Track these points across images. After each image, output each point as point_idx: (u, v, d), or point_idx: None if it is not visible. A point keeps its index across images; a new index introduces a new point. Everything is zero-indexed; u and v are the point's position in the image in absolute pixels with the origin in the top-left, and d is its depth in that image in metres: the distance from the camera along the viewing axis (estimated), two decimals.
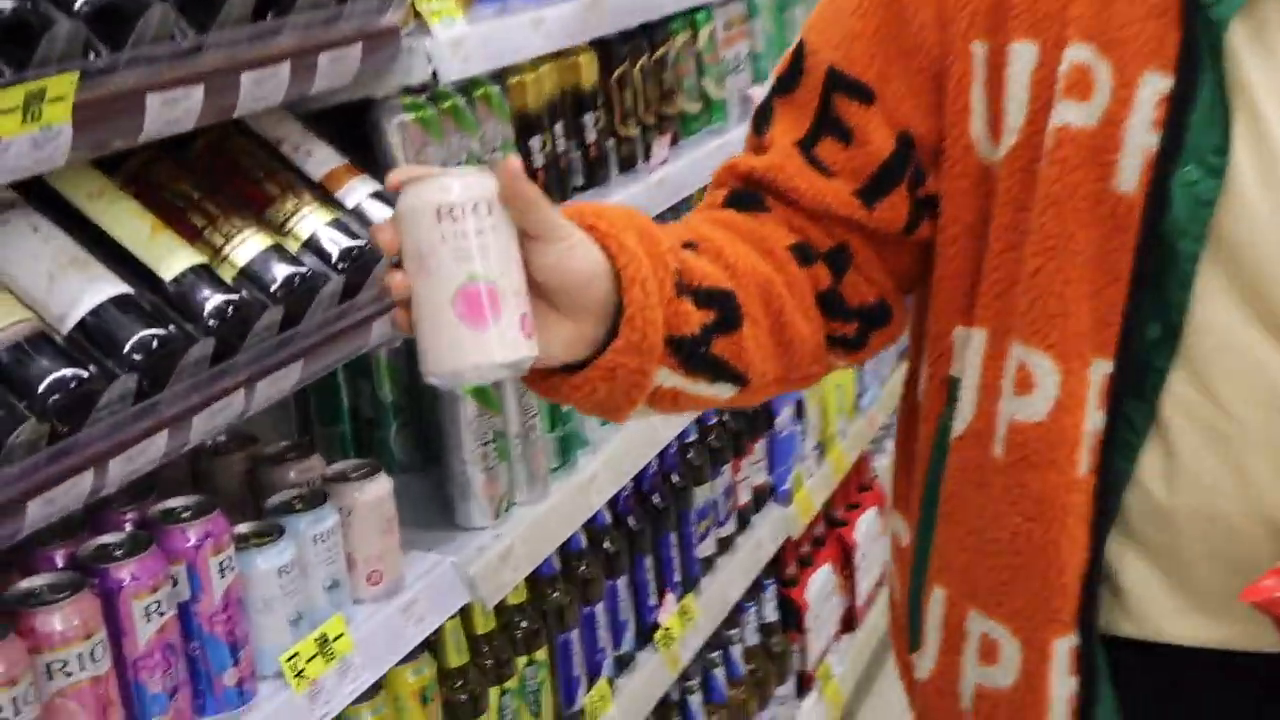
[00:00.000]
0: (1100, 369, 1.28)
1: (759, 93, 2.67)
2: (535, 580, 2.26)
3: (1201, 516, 1.28)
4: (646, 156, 2.36)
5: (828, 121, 1.39)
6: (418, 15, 1.74)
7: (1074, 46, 1.27)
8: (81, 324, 1.36)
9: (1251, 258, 1.23)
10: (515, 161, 1.13)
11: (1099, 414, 1.28)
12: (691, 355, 1.26)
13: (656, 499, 2.66)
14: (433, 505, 2.10)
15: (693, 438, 2.81)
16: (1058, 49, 1.28)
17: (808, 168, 1.38)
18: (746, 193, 1.41)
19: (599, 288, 1.18)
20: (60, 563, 1.55)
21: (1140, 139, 1.24)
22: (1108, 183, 1.26)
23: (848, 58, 1.38)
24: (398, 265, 1.13)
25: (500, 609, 2.14)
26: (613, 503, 2.49)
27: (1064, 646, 1.34)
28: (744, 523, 3.02)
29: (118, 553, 1.52)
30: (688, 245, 1.31)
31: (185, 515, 1.60)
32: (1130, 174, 1.25)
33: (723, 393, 1.34)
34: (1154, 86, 1.24)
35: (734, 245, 1.34)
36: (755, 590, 3.13)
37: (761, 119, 1.43)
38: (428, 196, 1.09)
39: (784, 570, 3.32)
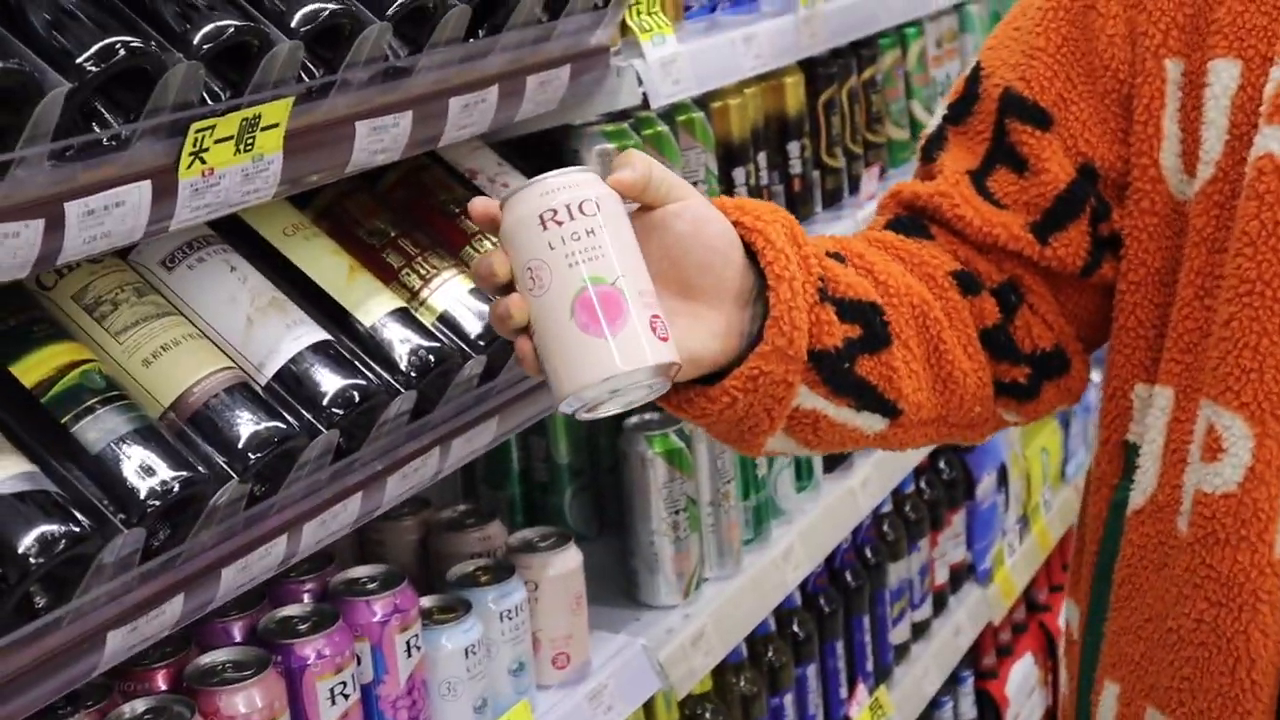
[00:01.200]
0: None
1: None
2: (719, 667, 2.23)
3: None
4: (854, 189, 2.38)
5: (1002, 149, 1.40)
6: (626, 30, 1.78)
7: None
8: (281, 373, 1.39)
9: None
10: (636, 162, 1.15)
11: None
12: (835, 372, 1.25)
13: (849, 577, 2.65)
14: (612, 580, 2.12)
15: (888, 508, 2.81)
16: (1265, 67, 1.28)
17: (978, 197, 1.39)
18: (909, 219, 1.41)
19: (737, 267, 1.19)
20: (239, 636, 1.59)
21: None
22: None
23: (1025, 79, 1.39)
24: (508, 288, 1.12)
25: (683, 700, 2.14)
26: (804, 585, 2.49)
27: None
28: (940, 605, 3.00)
29: (302, 627, 1.56)
30: (833, 255, 1.31)
31: (371, 587, 1.63)
32: None
33: (872, 424, 1.32)
34: None
35: (887, 264, 1.33)
36: (952, 682, 3.10)
37: (932, 146, 1.44)
38: (529, 206, 1.10)
39: (981, 660, 3.29)
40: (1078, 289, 1.42)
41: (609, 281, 1.08)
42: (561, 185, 1.10)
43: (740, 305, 1.20)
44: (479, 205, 1.16)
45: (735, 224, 1.20)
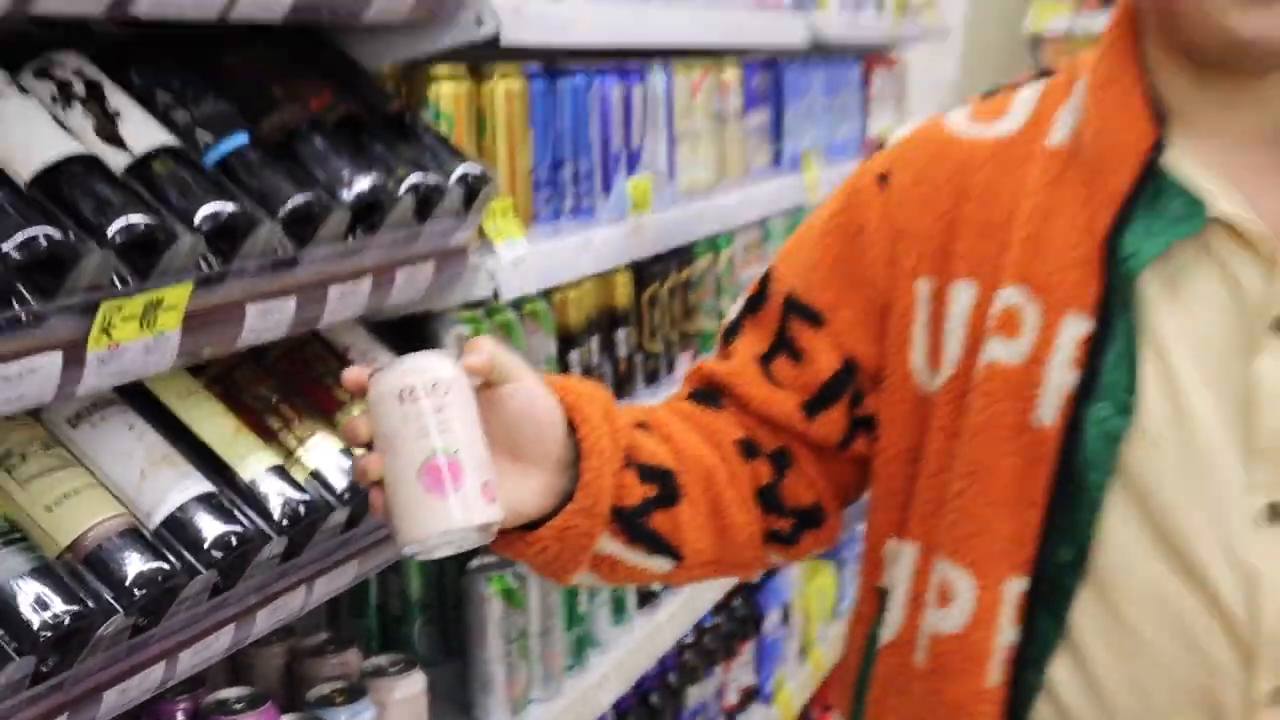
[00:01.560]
0: (1015, 586, 1.31)
1: None
2: None
3: (1118, 694, 1.30)
4: (670, 370, 2.40)
5: (783, 341, 1.44)
6: (483, 234, 1.79)
7: (1007, 289, 1.32)
8: (167, 520, 1.36)
9: (1155, 492, 1.27)
10: (483, 348, 1.21)
11: (1012, 628, 1.31)
12: (631, 525, 1.32)
13: (655, 699, 2.64)
14: (453, 700, 2.07)
15: (690, 640, 2.80)
16: (992, 290, 1.33)
17: (762, 378, 1.43)
18: (707, 391, 1.47)
19: (559, 438, 1.25)
20: None
21: (1059, 377, 1.30)
22: (1028, 415, 1.31)
23: (805, 285, 1.44)
24: (368, 447, 1.17)
25: None
26: (615, 705, 2.46)
27: None
28: None
29: None
30: (640, 425, 1.38)
31: (238, 707, 1.58)
32: (1049, 409, 1.30)
33: (660, 566, 1.37)
34: (1074, 329, 1.29)
35: (685, 432, 1.39)
36: None
37: (730, 333, 1.49)
38: (389, 383, 1.14)
39: None
40: (837, 459, 1.47)
41: (451, 452, 1.12)
42: (419, 368, 1.14)
43: (560, 469, 1.26)
44: (350, 375, 1.20)
45: (561, 402, 1.27)
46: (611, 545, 1.32)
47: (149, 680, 1.36)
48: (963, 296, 1.36)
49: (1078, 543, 1.30)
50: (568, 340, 2.09)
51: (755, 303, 1.47)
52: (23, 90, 1.33)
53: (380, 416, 1.15)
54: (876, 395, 1.43)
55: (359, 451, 1.19)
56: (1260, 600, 1.25)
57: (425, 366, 1.15)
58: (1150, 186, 1.30)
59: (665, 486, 1.34)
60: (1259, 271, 1.28)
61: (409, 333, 1.82)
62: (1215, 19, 1.24)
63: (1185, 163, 1.30)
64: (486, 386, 1.20)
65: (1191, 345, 1.29)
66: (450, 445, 1.12)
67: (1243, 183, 1.29)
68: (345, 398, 1.64)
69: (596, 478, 1.26)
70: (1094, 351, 1.29)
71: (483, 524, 1.15)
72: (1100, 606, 1.31)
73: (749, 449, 1.42)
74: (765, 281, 1.48)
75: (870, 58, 3.30)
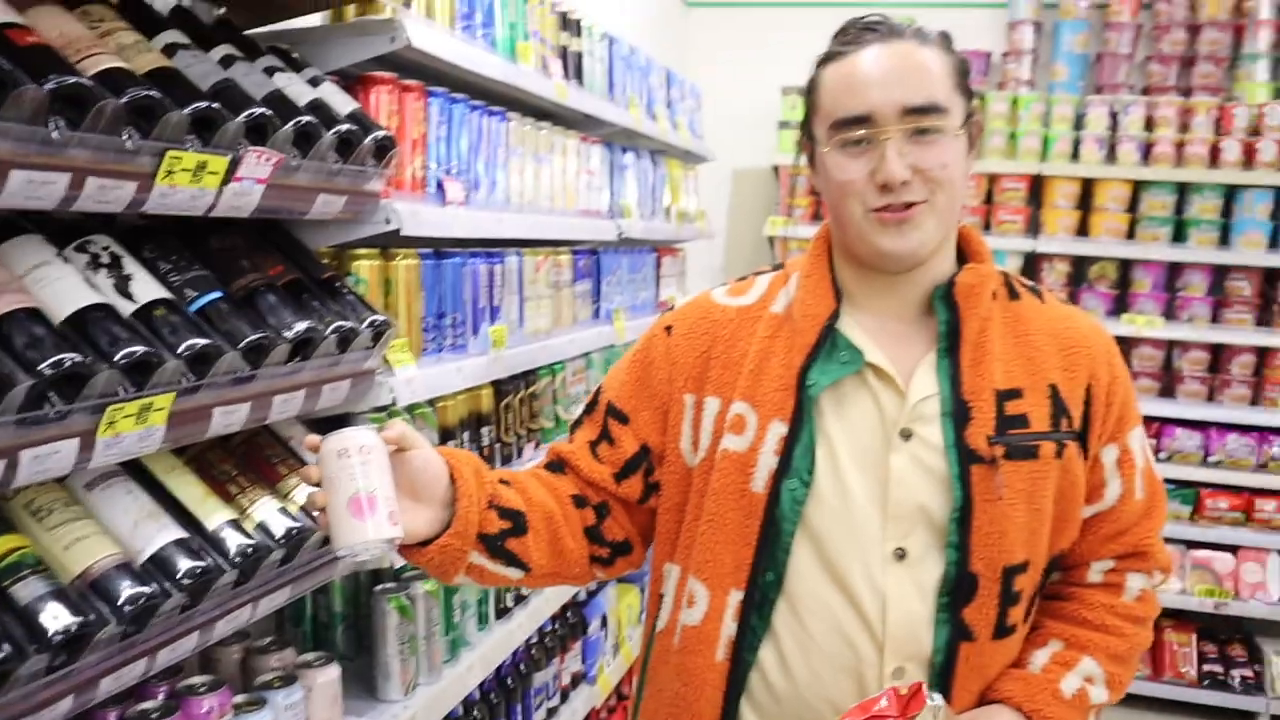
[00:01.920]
0: (735, 596, 1.35)
1: None
2: None
3: (794, 696, 1.34)
4: (520, 455, 2.39)
5: (605, 433, 1.48)
6: (386, 361, 1.79)
7: (737, 403, 1.38)
8: (152, 558, 1.33)
9: (825, 539, 1.33)
10: (396, 426, 1.28)
11: (733, 624, 1.35)
12: (492, 546, 1.36)
13: (509, 681, 2.60)
14: (363, 685, 2.02)
15: (535, 640, 2.77)
16: (729, 403, 1.38)
17: (590, 456, 1.47)
18: (557, 463, 1.51)
19: (444, 487, 1.31)
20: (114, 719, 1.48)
21: (767, 461, 1.34)
22: (747, 485, 1.35)
23: (619, 396, 1.48)
24: (318, 485, 1.23)
25: None
26: (481, 685, 2.42)
27: None
28: (565, 697, 2.95)
29: (154, 715, 1.46)
30: (504, 481, 1.42)
31: (202, 689, 1.53)
32: (760, 481, 1.34)
33: (514, 574, 1.41)
34: (777, 430, 1.34)
35: (536, 488, 1.44)
36: None
37: (574, 426, 1.53)
38: (331, 444, 1.21)
39: None
40: (638, 509, 1.50)
41: (370, 491, 1.19)
42: (352, 435, 1.22)
43: (444, 507, 1.32)
44: (309, 439, 1.26)
45: (446, 463, 1.33)
46: (479, 559, 1.35)
47: (134, 671, 1.32)
48: (711, 406, 1.40)
49: (776, 570, 1.34)
50: (447, 434, 2.08)
51: (590, 408, 1.52)
52: (64, 259, 1.32)
53: (325, 465, 1.21)
54: (661, 469, 1.46)
55: (311, 489, 1.25)
56: (888, 612, 1.30)
57: (356, 434, 1.22)
58: (828, 342, 1.35)
59: (517, 522, 1.38)
60: (894, 398, 1.33)
61: (334, 428, 1.79)
62: (868, 238, 1.32)
63: (852, 328, 1.37)
64: (399, 450, 1.26)
65: (850, 443, 1.34)
66: (369, 487, 1.19)
67: (887, 342, 1.36)
68: (285, 472, 1.62)
69: (466, 513, 1.31)
70: (788, 445, 1.33)
71: (389, 539, 1.20)
72: (790, 613, 1.34)
73: (579, 501, 1.46)
74: (596, 394, 1.53)
75: (660, 248, 3.38)
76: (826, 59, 1.34)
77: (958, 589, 1.30)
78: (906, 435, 1.32)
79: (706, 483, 1.38)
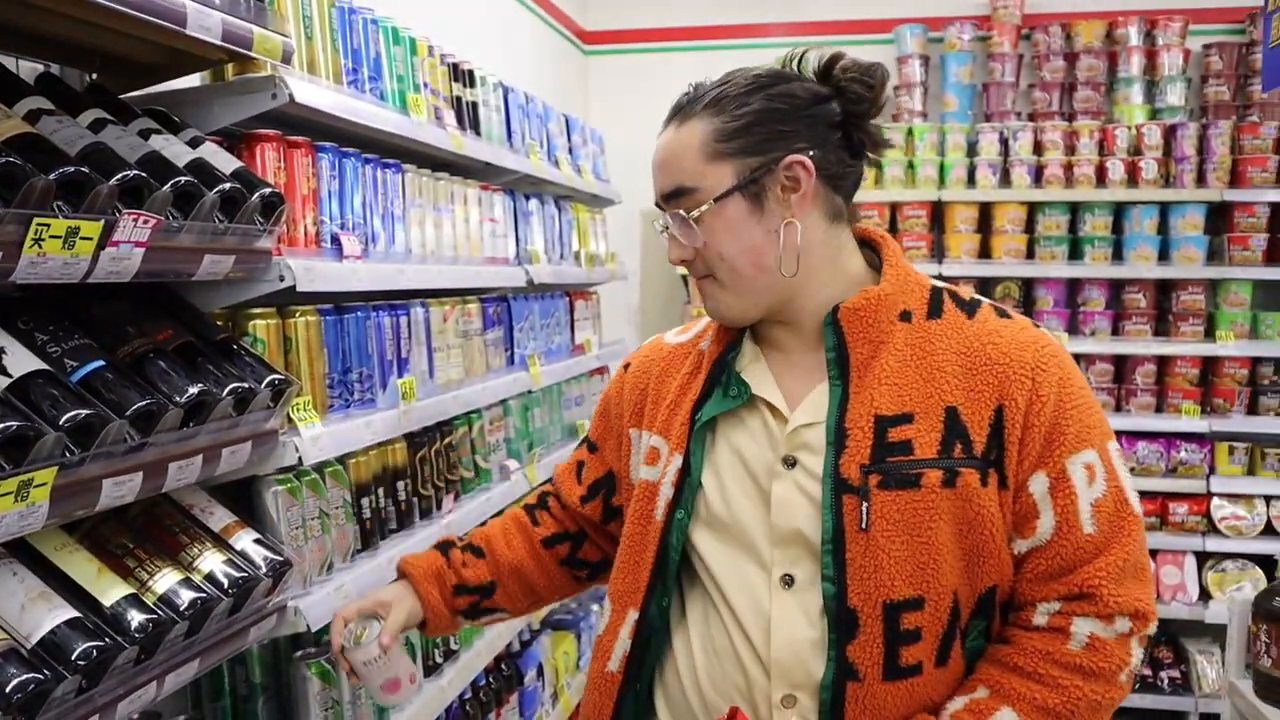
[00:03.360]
0: (631, 616, 1.40)
1: (513, 464, 2.72)
2: None
3: (681, 697, 1.37)
4: (439, 508, 2.34)
5: (581, 462, 1.63)
6: (290, 420, 1.73)
7: (655, 436, 1.43)
8: (42, 641, 1.25)
9: (712, 565, 1.35)
10: (391, 626, 1.56)
11: (628, 640, 1.40)
12: (471, 614, 1.64)
13: None
14: None
15: (468, 695, 2.70)
16: (648, 437, 1.44)
17: (573, 478, 1.63)
18: (547, 493, 1.69)
19: (416, 602, 1.62)
20: None
21: (666, 491, 1.38)
22: (652, 512, 1.39)
23: (592, 427, 1.62)
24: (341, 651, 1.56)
25: None
26: None
27: None
28: None
29: None
30: (479, 551, 1.65)
31: None
32: (660, 509, 1.38)
33: (501, 616, 1.68)
34: (675, 462, 1.38)
35: (504, 549, 1.64)
36: None
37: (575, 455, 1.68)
38: (358, 657, 1.55)
39: None
40: (605, 530, 1.63)
41: (391, 678, 1.57)
42: (367, 648, 1.55)
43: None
44: (337, 654, 1.59)
45: (414, 591, 1.62)
46: (467, 621, 1.65)
47: None
48: (644, 440, 1.46)
49: (669, 594, 1.38)
50: (360, 490, 2.03)
51: (581, 442, 1.66)
52: None
53: (356, 667, 1.56)
54: (619, 494, 1.56)
55: (345, 673, 1.59)
56: (772, 637, 1.29)
57: (370, 647, 1.54)
58: (722, 376, 1.38)
59: (484, 590, 1.63)
60: (781, 427, 1.33)
61: (238, 491, 1.74)
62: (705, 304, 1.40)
63: (751, 362, 1.39)
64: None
65: (740, 473, 1.35)
66: (390, 675, 1.56)
67: (787, 371, 1.37)
68: (187, 541, 1.55)
69: (435, 618, 1.62)
70: (681, 476, 1.37)
71: (413, 690, 1.61)
72: (687, 635, 1.38)
73: (550, 541, 1.64)
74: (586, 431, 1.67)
75: (573, 292, 3.37)
76: None
77: (839, 623, 1.24)
78: (790, 463, 1.31)
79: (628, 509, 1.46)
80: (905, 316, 1.31)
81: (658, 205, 1.38)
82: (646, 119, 4.89)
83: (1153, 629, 1.28)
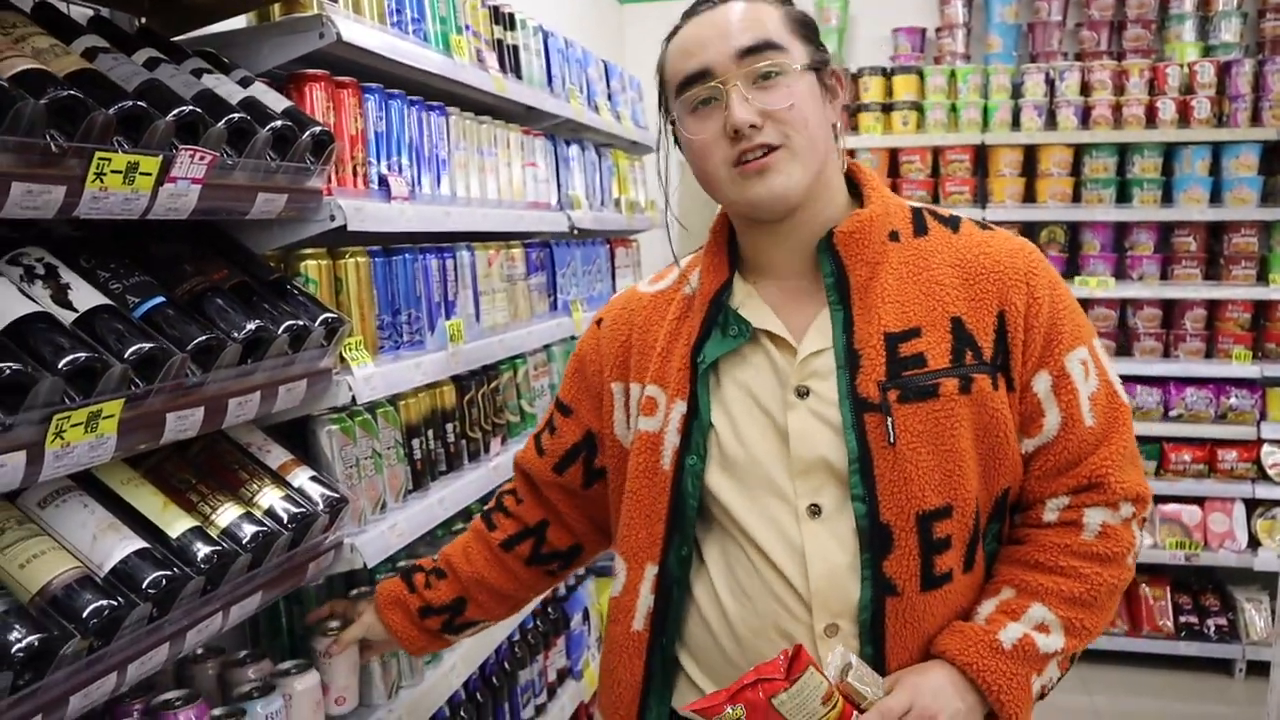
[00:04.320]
0: (651, 570, 1.38)
1: None
2: None
3: (712, 646, 1.36)
4: (486, 450, 2.36)
5: (550, 423, 1.59)
6: (343, 360, 1.76)
7: (649, 386, 1.40)
8: (114, 570, 1.30)
9: (730, 505, 1.34)
10: (339, 645, 1.75)
11: (650, 596, 1.38)
12: (449, 630, 1.70)
13: (495, 680, 2.57)
14: None
15: (517, 637, 2.75)
16: (644, 388, 1.41)
17: (535, 454, 1.62)
18: (503, 492, 1.70)
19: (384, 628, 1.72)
20: None
21: (672, 439, 1.36)
22: (658, 463, 1.38)
23: (564, 389, 1.58)
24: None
25: None
26: (465, 684, 2.40)
27: None
28: (552, 694, 2.93)
29: None
30: (441, 573, 1.68)
31: (178, 704, 1.50)
32: (667, 458, 1.37)
33: (479, 627, 1.73)
34: (679, 409, 1.36)
35: (464, 563, 1.66)
36: None
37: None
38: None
39: None
40: (588, 499, 1.58)
41: (330, 684, 1.79)
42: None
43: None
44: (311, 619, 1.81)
45: (380, 618, 1.71)
46: (451, 636, 1.72)
47: (104, 687, 1.28)
48: (634, 392, 1.44)
49: (688, 542, 1.36)
50: (410, 432, 2.05)
51: (550, 410, 1.63)
52: None
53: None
54: (603, 454, 1.52)
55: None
56: (809, 569, 1.29)
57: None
58: (719, 316, 1.37)
59: (452, 610, 1.67)
60: (788, 358, 1.34)
61: (293, 430, 1.77)
62: (737, 193, 1.32)
63: (746, 298, 1.38)
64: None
65: (750, 409, 1.34)
66: (327, 680, 1.75)
67: (784, 302, 1.36)
68: (246, 478, 1.59)
69: (407, 640, 1.70)
70: (688, 422, 1.35)
71: (336, 709, 1.79)
72: (706, 582, 1.37)
73: (509, 543, 1.65)
74: (556, 395, 1.64)
75: (613, 240, 3.37)
76: (669, 37, 1.37)
77: (873, 542, 1.26)
78: (803, 393, 1.31)
79: (629, 464, 1.42)
80: (894, 236, 1.35)
81: (694, 80, 1.29)
82: None
83: (1148, 511, 1.36)
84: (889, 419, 1.26)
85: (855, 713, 1.21)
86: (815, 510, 1.30)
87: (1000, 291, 1.31)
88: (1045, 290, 1.32)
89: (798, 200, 1.31)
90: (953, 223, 1.38)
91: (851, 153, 4.53)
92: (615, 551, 1.46)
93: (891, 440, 1.25)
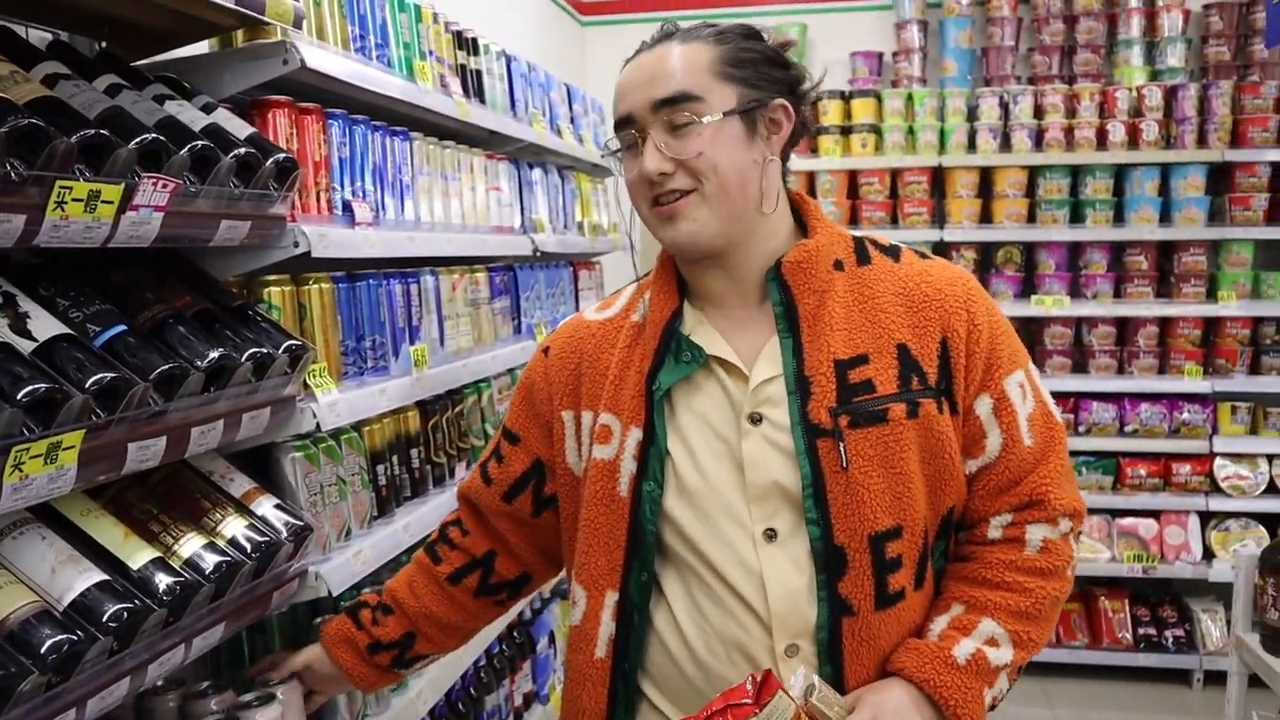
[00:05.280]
0: (611, 597, 1.37)
1: None
2: None
3: (674, 672, 1.36)
4: (452, 475, 2.34)
5: (497, 454, 1.57)
6: (307, 386, 1.74)
7: (603, 414, 1.40)
8: (74, 603, 1.27)
9: (688, 530, 1.34)
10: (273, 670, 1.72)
11: (611, 622, 1.37)
12: (400, 665, 1.67)
13: (461, 705, 2.55)
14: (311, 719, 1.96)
15: (483, 662, 2.73)
16: (596, 415, 1.40)
17: (481, 483, 1.58)
18: (447, 524, 1.66)
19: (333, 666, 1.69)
20: None
21: (628, 466, 1.36)
22: (615, 490, 1.37)
23: (511, 418, 1.56)
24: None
25: None
26: (431, 711, 2.37)
27: None
28: (519, 718, 2.91)
29: None
30: (388, 609, 1.65)
31: None
32: (624, 485, 1.36)
33: (433, 659, 1.72)
34: (634, 436, 1.36)
35: (410, 598, 1.63)
36: None
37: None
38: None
39: None
40: (538, 527, 1.56)
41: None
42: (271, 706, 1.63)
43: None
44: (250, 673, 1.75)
45: (329, 657, 1.68)
46: (401, 670, 1.70)
47: None
48: (585, 419, 1.43)
49: (648, 569, 1.36)
50: (375, 458, 2.03)
51: (496, 439, 1.60)
52: None
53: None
54: (553, 482, 1.51)
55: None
56: (768, 592, 1.30)
57: (270, 708, 1.63)
58: (672, 343, 1.38)
59: (404, 643, 1.65)
60: (740, 386, 1.35)
61: (256, 458, 1.75)
62: (655, 233, 1.36)
63: (696, 325, 1.39)
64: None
65: (705, 436, 1.35)
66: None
67: (733, 331, 1.38)
68: (209, 507, 1.57)
69: (358, 677, 1.68)
70: (644, 449, 1.35)
71: None
72: (665, 609, 1.37)
73: (456, 577, 1.61)
74: (502, 424, 1.60)
75: (576, 262, 3.38)
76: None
77: (828, 564, 1.29)
78: (756, 420, 1.33)
79: (584, 491, 1.41)
80: (838, 266, 1.38)
81: (622, 125, 1.34)
82: None
83: (1083, 525, 1.42)
84: (841, 444, 1.29)
85: None
86: (771, 534, 1.32)
87: (942, 319, 1.34)
88: (984, 317, 1.36)
89: (710, 243, 1.34)
90: (893, 252, 1.41)
91: (811, 175, 4.62)
92: (572, 579, 1.44)
93: (844, 465, 1.28)
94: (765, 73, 1.35)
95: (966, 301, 1.36)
